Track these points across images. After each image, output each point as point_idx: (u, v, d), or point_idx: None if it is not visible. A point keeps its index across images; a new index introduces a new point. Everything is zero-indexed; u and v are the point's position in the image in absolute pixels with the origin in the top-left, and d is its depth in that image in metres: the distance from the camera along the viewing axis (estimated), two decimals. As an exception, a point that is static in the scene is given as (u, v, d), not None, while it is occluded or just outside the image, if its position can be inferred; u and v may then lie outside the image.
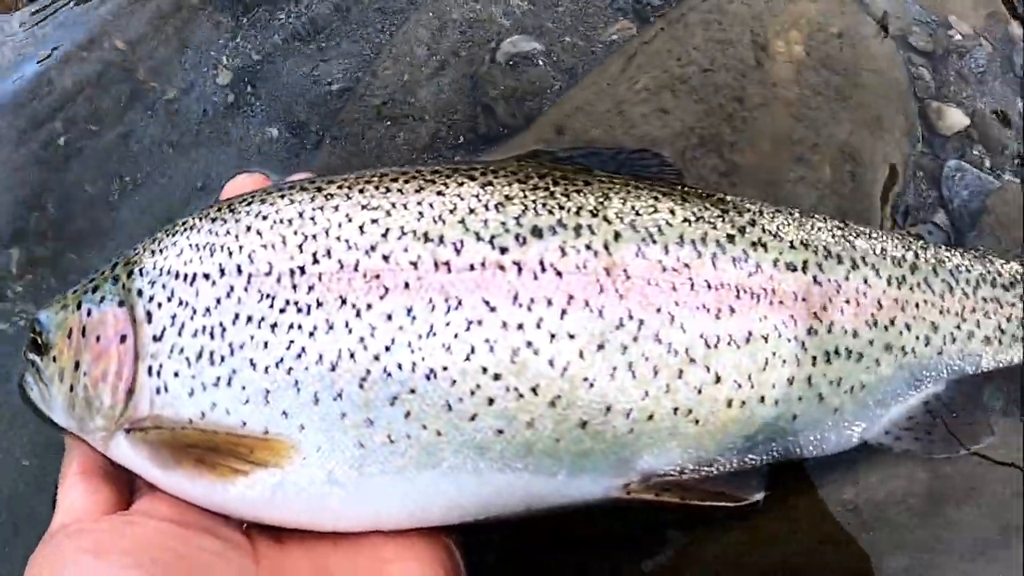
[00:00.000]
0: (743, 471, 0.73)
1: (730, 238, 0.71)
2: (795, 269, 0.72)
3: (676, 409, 0.67)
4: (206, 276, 0.66)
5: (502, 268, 0.64)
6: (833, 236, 0.77)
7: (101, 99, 1.15)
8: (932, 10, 1.13)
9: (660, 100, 0.90)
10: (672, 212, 0.71)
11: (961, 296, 0.81)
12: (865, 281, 0.76)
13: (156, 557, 0.59)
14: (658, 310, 0.66)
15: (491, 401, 0.62)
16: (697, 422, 0.67)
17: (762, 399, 0.69)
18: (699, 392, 0.67)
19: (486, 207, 0.67)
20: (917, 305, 0.78)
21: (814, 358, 0.72)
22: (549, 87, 1.03)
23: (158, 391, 0.65)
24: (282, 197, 0.70)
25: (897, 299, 0.77)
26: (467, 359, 0.62)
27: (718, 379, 0.67)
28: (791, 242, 0.74)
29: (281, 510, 0.64)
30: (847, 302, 0.74)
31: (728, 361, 0.68)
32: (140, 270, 0.69)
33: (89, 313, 0.70)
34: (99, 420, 0.68)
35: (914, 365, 0.78)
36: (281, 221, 0.67)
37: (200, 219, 0.71)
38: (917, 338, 0.77)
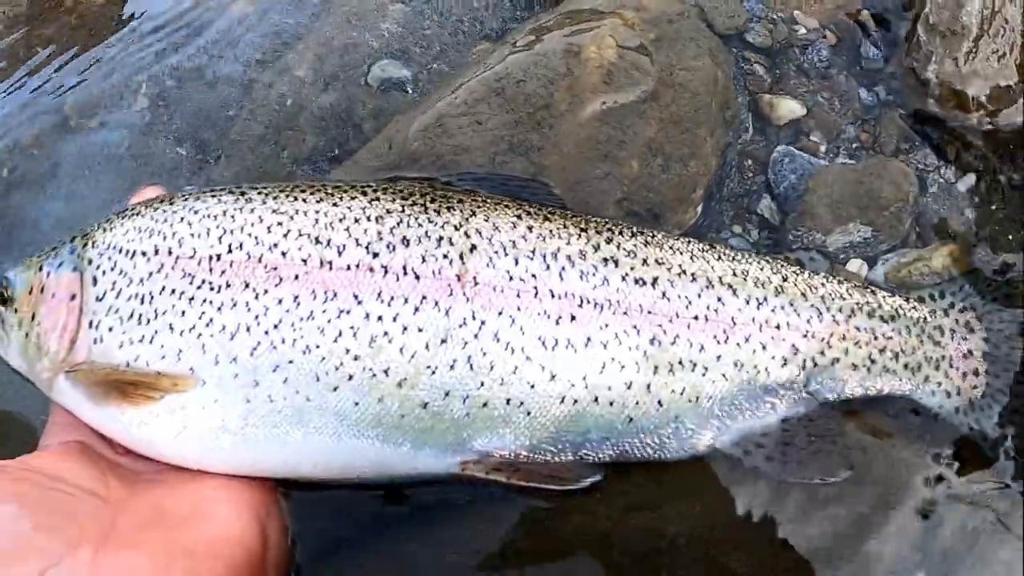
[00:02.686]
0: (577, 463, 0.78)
1: (582, 254, 0.80)
2: (644, 284, 0.80)
3: (509, 400, 0.75)
4: (143, 253, 0.79)
5: (372, 270, 0.76)
6: (692, 257, 0.84)
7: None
8: (776, 7, 1.18)
9: (476, 112, 0.98)
10: (530, 229, 0.80)
11: (830, 323, 0.84)
12: (719, 299, 0.81)
13: (25, 493, 0.69)
14: (500, 313, 0.76)
15: (350, 377, 0.73)
16: (529, 413, 0.76)
17: (596, 399, 0.77)
18: (532, 387, 0.75)
19: (368, 218, 0.79)
20: (778, 327, 0.82)
21: (656, 367, 0.78)
22: (412, 106, 1.12)
23: (95, 341, 0.77)
24: (212, 196, 0.82)
25: (755, 318, 0.82)
26: (335, 341, 0.74)
27: (553, 377, 0.76)
28: (645, 259, 0.81)
29: (184, 449, 0.76)
30: (695, 318, 0.80)
31: (564, 362, 0.76)
32: (92, 243, 0.82)
33: (48, 274, 0.82)
34: (45, 363, 0.79)
35: (768, 383, 0.81)
36: (208, 216, 0.80)
37: (145, 207, 0.84)
38: (773, 358, 0.81)
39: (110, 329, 0.77)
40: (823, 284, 0.86)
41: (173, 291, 0.76)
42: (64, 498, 0.71)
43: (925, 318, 0.87)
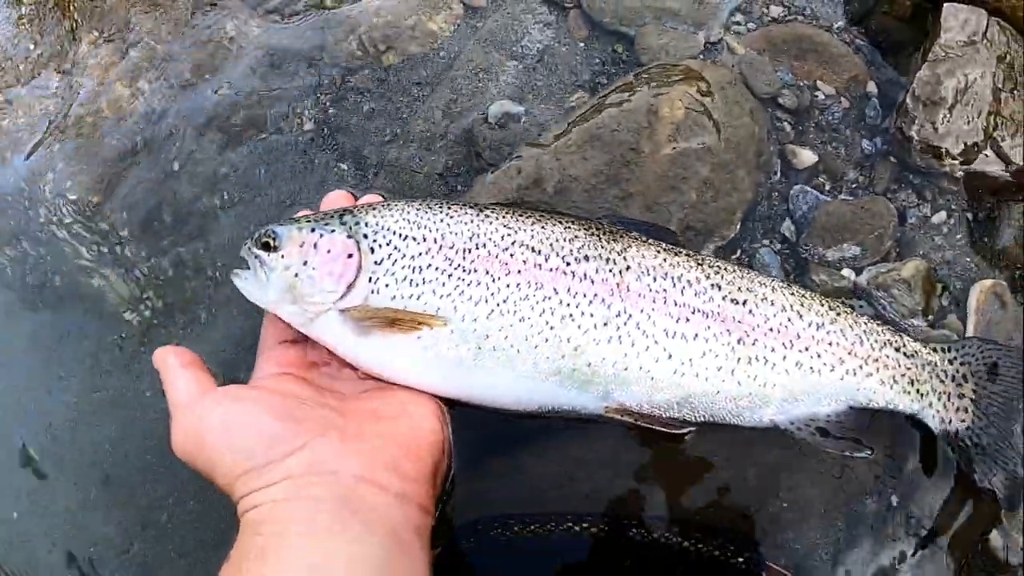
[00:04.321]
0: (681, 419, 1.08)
1: (697, 280, 1.10)
2: (737, 303, 1.10)
3: (640, 367, 1.05)
4: (414, 238, 1.07)
5: (565, 273, 1.06)
6: (773, 290, 1.13)
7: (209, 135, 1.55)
8: (803, 76, 1.57)
9: (583, 151, 1.38)
10: (664, 260, 1.11)
11: (869, 348, 1.12)
12: (788, 319, 1.11)
13: (274, 404, 0.92)
14: (641, 311, 1.06)
15: (547, 340, 1.03)
16: (653, 379, 1.06)
17: (696, 375, 1.06)
18: (656, 361, 1.05)
19: (565, 240, 1.10)
20: (830, 344, 1.11)
21: (739, 358, 1.07)
22: (522, 138, 1.50)
23: (373, 292, 1.05)
24: (460, 208, 1.11)
25: (814, 336, 1.11)
26: (540, 315, 1.04)
27: (670, 356, 1.06)
28: (739, 288, 1.11)
29: (430, 375, 1.03)
30: (771, 329, 1.10)
31: (679, 347, 1.06)
32: (364, 223, 1.08)
33: (321, 235, 1.06)
34: (317, 298, 1.03)
35: (819, 382, 1.10)
36: (460, 221, 1.09)
37: (407, 205, 1.11)
38: (825, 364, 1.10)
39: (387, 285, 1.05)
40: (866, 323, 1.15)
41: (437, 268, 1.05)
42: (306, 405, 0.95)
43: (935, 362, 1.15)
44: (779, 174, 1.47)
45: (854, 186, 1.48)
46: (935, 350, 1.18)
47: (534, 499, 1.16)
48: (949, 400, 1.14)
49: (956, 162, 1.47)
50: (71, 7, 1.92)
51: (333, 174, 1.51)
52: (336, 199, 1.19)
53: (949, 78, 1.47)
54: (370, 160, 1.52)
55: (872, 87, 1.57)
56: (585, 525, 1.18)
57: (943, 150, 1.46)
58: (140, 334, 1.48)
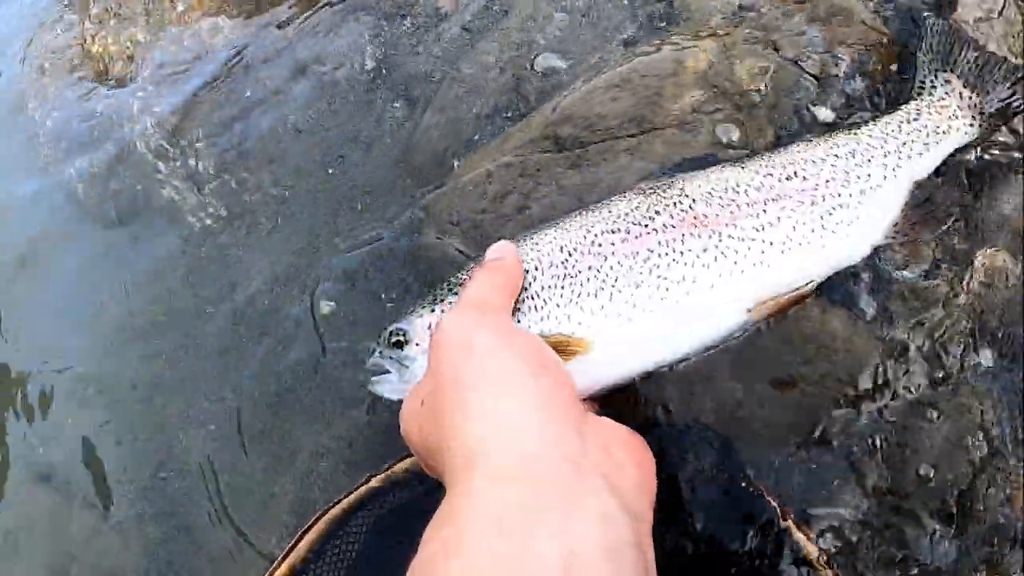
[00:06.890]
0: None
1: (750, 179, 1.23)
2: (791, 178, 1.23)
3: (753, 264, 1.17)
4: (526, 271, 1.17)
5: (649, 232, 1.18)
6: (811, 151, 1.27)
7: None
8: (829, 43, 1.67)
9: (611, 93, 1.52)
10: (715, 178, 1.25)
11: (892, 138, 1.28)
12: (834, 165, 1.24)
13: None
14: (726, 224, 1.18)
15: (667, 289, 1.14)
16: (769, 266, 1.17)
17: (799, 244, 1.19)
18: (763, 253, 1.17)
19: (631, 209, 1.22)
20: (886, 155, 1.27)
21: (821, 215, 1.20)
22: (566, 85, 1.65)
23: None
24: (543, 233, 1.23)
25: (866, 157, 1.27)
26: (651, 272, 1.14)
27: (771, 243, 1.17)
28: (783, 165, 1.25)
29: (606, 374, 1.14)
30: (828, 180, 1.23)
31: (772, 234, 1.18)
32: None
33: (443, 311, 1.15)
34: None
35: (892, 188, 1.26)
36: (547, 242, 1.21)
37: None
38: (886, 173, 1.26)
39: (518, 322, 1.14)
40: (877, 120, 1.35)
41: (547, 287, 1.18)
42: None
43: (929, 103, 1.34)
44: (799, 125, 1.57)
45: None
46: (928, 92, 1.37)
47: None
48: (965, 107, 1.34)
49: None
50: (166, -49, 2.14)
51: (388, 113, 1.67)
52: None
53: (958, 54, 1.55)
54: (419, 99, 1.66)
55: (894, 57, 1.65)
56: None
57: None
58: (202, 240, 1.70)
